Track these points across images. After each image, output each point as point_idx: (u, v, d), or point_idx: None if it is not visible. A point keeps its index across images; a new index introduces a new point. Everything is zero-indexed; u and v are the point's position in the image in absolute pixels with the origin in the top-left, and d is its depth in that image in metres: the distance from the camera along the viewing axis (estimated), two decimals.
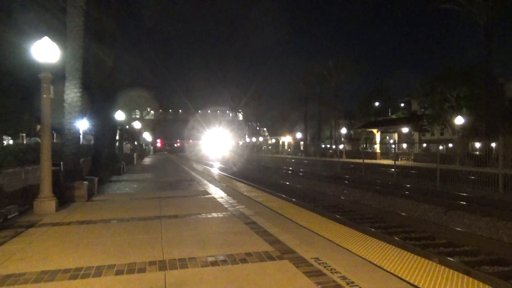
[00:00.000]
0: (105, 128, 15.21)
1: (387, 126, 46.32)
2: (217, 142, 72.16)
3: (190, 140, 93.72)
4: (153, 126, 75.12)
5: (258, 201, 8.66)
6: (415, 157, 32.94)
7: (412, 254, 4.56)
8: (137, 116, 61.93)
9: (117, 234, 5.37)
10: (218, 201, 8.54)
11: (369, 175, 22.59)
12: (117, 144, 21.46)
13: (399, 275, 3.76)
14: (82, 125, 19.29)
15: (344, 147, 47.65)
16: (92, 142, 18.28)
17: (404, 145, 44.22)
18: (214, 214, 6.82)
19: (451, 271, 3.90)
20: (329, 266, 3.80)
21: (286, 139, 71.17)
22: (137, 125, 38.62)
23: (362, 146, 47.36)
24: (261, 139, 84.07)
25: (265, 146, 78.43)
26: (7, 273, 3.69)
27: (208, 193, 9.98)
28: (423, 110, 35.08)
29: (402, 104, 52.63)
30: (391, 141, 46.55)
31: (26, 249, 4.60)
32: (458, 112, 29.61)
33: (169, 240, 4.96)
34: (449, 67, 31.88)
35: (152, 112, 78.64)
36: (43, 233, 5.45)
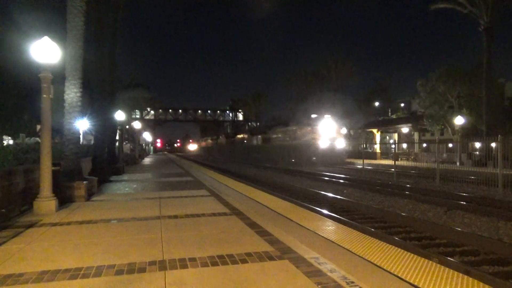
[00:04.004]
0: (105, 128, 15.21)
1: (387, 126, 46.34)
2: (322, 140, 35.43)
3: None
4: (153, 126, 74.99)
5: (258, 201, 8.67)
6: (415, 157, 32.94)
7: (412, 254, 4.56)
8: (137, 116, 61.88)
9: (117, 234, 5.37)
10: (218, 201, 8.54)
11: (369, 175, 22.59)
12: (117, 144, 21.46)
13: (399, 275, 3.76)
14: (82, 125, 19.30)
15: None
16: (92, 142, 18.28)
17: (404, 145, 44.22)
18: (215, 214, 6.82)
19: (451, 271, 3.90)
20: (329, 266, 3.80)
21: None
22: (137, 125, 38.62)
23: (362, 146, 47.26)
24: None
25: None
26: (7, 273, 3.69)
27: (208, 194, 9.98)
28: (423, 110, 35.11)
29: (402, 104, 52.67)
30: (391, 141, 46.56)
31: (26, 249, 4.60)
32: (458, 112, 29.64)
33: (169, 240, 4.96)
34: (449, 67, 31.90)
35: (152, 112, 78.59)
36: (43, 233, 5.45)
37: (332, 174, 22.12)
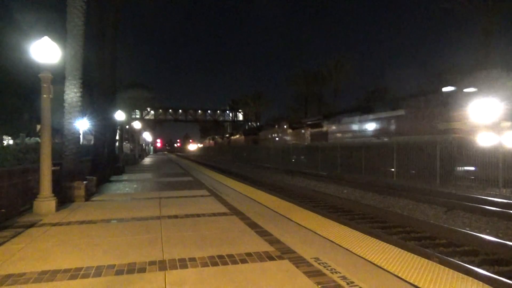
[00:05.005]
0: (105, 128, 15.22)
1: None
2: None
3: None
4: (153, 126, 75.04)
5: (257, 201, 8.67)
6: None
7: (412, 254, 4.56)
8: (137, 116, 61.92)
9: (117, 234, 5.37)
10: (218, 201, 8.54)
11: (369, 175, 22.57)
12: (117, 144, 21.47)
13: (399, 275, 3.76)
14: (82, 125, 19.32)
15: None
16: (92, 142, 18.29)
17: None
18: (215, 214, 6.82)
19: (451, 271, 3.90)
20: (329, 266, 3.80)
21: None
22: (137, 125, 38.61)
23: None
24: None
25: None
26: (7, 273, 3.69)
27: (208, 194, 9.99)
28: None
29: None
30: None
31: (26, 249, 4.60)
32: None
33: (169, 240, 4.96)
34: (448, 67, 31.96)
35: (152, 112, 78.70)
36: (43, 233, 5.45)
37: None
